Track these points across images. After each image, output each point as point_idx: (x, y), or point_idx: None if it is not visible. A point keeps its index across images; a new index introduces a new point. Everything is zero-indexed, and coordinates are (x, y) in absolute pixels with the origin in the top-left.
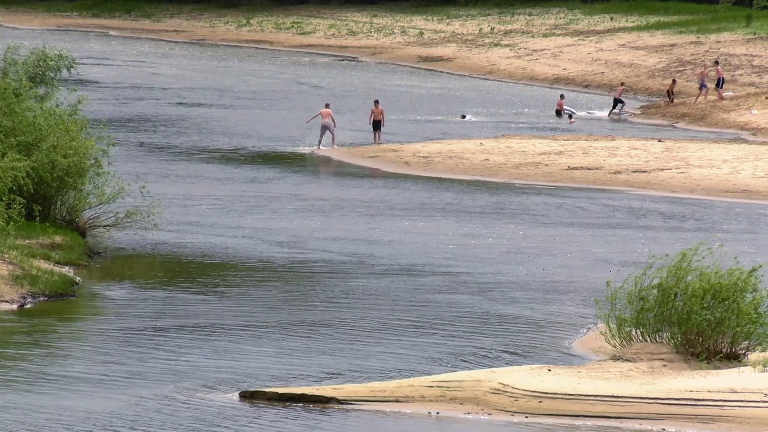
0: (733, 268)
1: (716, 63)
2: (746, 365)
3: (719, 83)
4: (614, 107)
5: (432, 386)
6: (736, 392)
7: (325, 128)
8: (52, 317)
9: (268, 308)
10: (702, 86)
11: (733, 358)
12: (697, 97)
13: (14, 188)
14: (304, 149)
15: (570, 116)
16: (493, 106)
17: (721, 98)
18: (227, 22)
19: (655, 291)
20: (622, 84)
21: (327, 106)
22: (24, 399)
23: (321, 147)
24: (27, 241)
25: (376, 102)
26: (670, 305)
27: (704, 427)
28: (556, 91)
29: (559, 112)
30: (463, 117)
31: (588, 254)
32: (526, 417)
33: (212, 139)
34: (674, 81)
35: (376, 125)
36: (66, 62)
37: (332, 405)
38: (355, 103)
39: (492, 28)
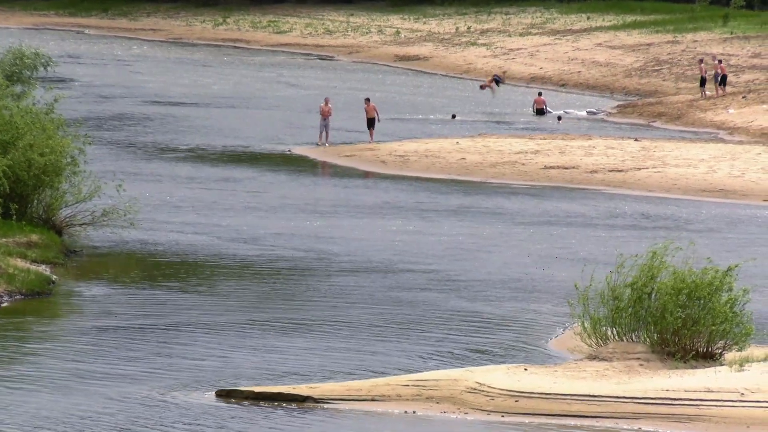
0: (708, 267)
1: (719, 61)
2: (723, 364)
3: (723, 80)
4: (722, 84)
5: (408, 385)
6: (713, 391)
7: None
8: (28, 316)
9: (243, 307)
10: (720, 81)
11: (709, 358)
12: (717, 92)
13: None
14: (282, 148)
15: (559, 118)
16: (475, 105)
17: (719, 94)
18: (204, 21)
19: (628, 290)
20: (540, 94)
21: (326, 102)
22: (0, 398)
23: (326, 143)
24: (3, 239)
25: (367, 99)
26: (645, 304)
27: (681, 427)
28: (533, 90)
29: (541, 111)
30: (453, 117)
31: (564, 253)
32: (503, 416)
33: (188, 137)
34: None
35: (370, 123)
36: (42, 61)
37: (308, 404)
38: (335, 102)
39: (468, 27)
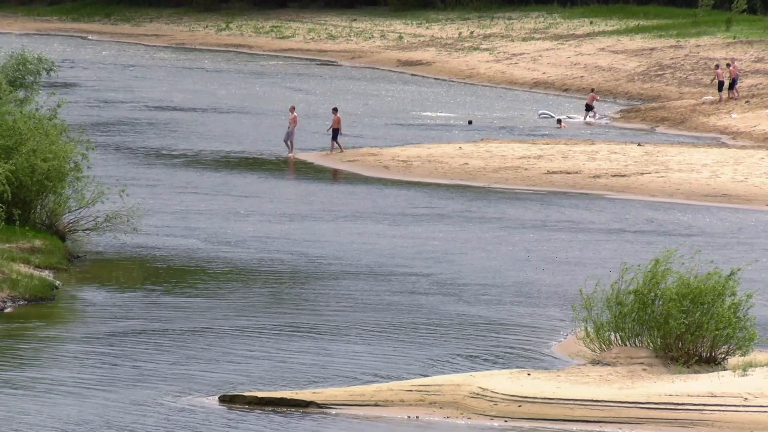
0: (711, 272)
1: (728, 65)
2: (726, 369)
3: (721, 85)
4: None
5: (411, 390)
6: (716, 396)
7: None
8: (31, 321)
9: (246, 312)
10: (732, 84)
11: (713, 362)
12: (728, 97)
13: None
14: (284, 154)
15: (559, 122)
16: (490, 110)
17: (737, 96)
18: (207, 26)
19: (632, 296)
20: (593, 90)
21: (291, 110)
22: (3, 403)
23: (292, 153)
24: (7, 245)
25: (335, 109)
26: (649, 309)
27: None
28: (536, 95)
29: (589, 107)
30: (470, 122)
31: (566, 257)
32: (506, 421)
33: (190, 143)
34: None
35: (334, 134)
36: (45, 66)
37: (311, 409)
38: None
39: (471, 32)
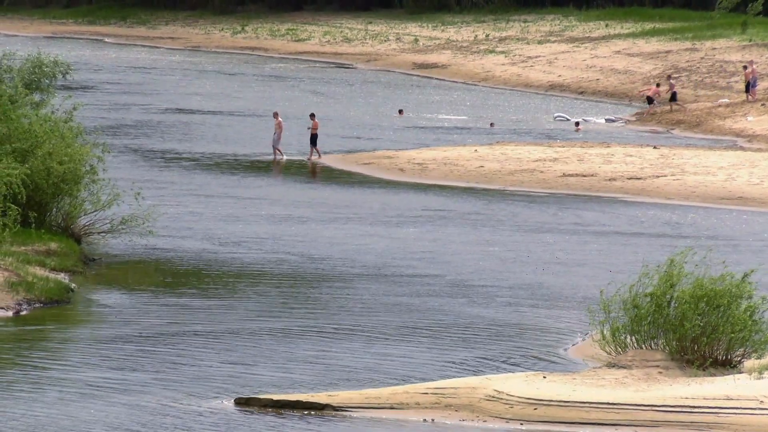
0: (725, 274)
1: (744, 68)
2: (742, 372)
3: (749, 85)
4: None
5: (427, 393)
6: (732, 399)
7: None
8: (47, 324)
9: (262, 315)
10: (751, 86)
11: (728, 365)
12: (749, 98)
13: (9, 195)
14: (299, 156)
15: (577, 124)
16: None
17: (754, 98)
18: (222, 29)
19: (648, 298)
20: (657, 84)
21: (275, 116)
22: (19, 406)
23: (283, 157)
24: (22, 247)
25: (312, 115)
26: (665, 312)
27: None
28: (552, 98)
29: (651, 99)
30: (492, 125)
31: (582, 260)
32: (521, 424)
33: (205, 145)
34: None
35: (313, 139)
36: (61, 69)
37: (327, 412)
38: (349, 111)
39: (487, 35)
